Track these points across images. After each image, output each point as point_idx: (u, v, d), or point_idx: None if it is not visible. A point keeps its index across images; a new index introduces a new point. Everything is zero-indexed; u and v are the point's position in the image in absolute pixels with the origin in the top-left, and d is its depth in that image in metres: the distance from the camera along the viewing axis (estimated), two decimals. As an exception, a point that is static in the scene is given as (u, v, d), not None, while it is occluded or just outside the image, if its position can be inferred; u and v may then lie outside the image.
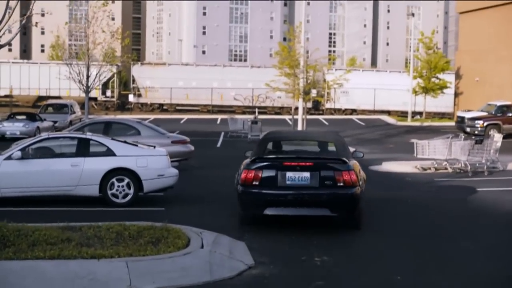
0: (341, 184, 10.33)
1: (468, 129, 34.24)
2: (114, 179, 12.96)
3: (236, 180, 11.04)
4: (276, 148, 12.00)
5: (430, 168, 20.63)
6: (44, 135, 14.11)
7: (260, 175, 10.42)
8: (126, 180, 12.99)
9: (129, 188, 13.03)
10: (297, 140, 14.03)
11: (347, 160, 10.71)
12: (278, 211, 10.56)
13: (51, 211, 12.16)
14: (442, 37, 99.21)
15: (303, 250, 9.61)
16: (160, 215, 11.48)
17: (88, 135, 13.76)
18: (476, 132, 32.75)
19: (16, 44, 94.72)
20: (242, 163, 11.21)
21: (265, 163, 10.59)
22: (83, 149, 13.15)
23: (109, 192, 12.97)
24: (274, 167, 10.47)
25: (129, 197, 13.05)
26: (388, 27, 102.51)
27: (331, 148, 11.87)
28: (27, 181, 12.78)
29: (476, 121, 34.33)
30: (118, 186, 12.99)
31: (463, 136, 21.26)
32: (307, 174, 10.38)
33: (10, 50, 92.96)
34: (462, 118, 36.26)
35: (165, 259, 8.10)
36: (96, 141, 13.39)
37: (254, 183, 10.43)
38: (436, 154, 20.59)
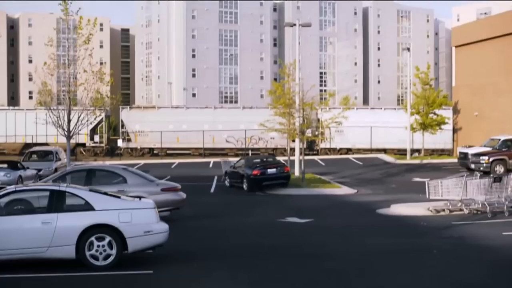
0: (285, 171, 27.78)
1: (472, 166, 32.77)
2: (93, 238, 11.08)
3: (247, 174, 27.27)
4: (258, 162, 28.46)
5: (444, 210, 19.07)
6: (10, 188, 12.13)
7: (260, 171, 27.12)
8: (108, 238, 11.13)
9: (111, 248, 11.14)
10: (263, 159, 29.83)
11: (285, 164, 29.37)
12: (267, 182, 27.13)
13: (17, 279, 10.29)
14: (433, 73, 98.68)
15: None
16: (148, 281, 9.71)
17: (62, 186, 11.77)
18: (481, 169, 31.29)
19: (3, 91, 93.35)
20: (249, 168, 27.78)
21: (260, 167, 27.48)
22: (56, 203, 11.22)
23: (88, 253, 11.07)
24: (264, 168, 27.44)
25: (111, 258, 11.14)
26: (378, 65, 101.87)
27: (277, 160, 29.72)
28: (-11, 243, 10.83)
29: (481, 157, 32.91)
30: (98, 246, 11.09)
31: (478, 174, 19.62)
32: (274, 169, 27.48)
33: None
34: (465, 154, 34.79)
35: None
36: (71, 193, 11.43)
37: (257, 174, 27.01)
38: (450, 194, 19.05)
